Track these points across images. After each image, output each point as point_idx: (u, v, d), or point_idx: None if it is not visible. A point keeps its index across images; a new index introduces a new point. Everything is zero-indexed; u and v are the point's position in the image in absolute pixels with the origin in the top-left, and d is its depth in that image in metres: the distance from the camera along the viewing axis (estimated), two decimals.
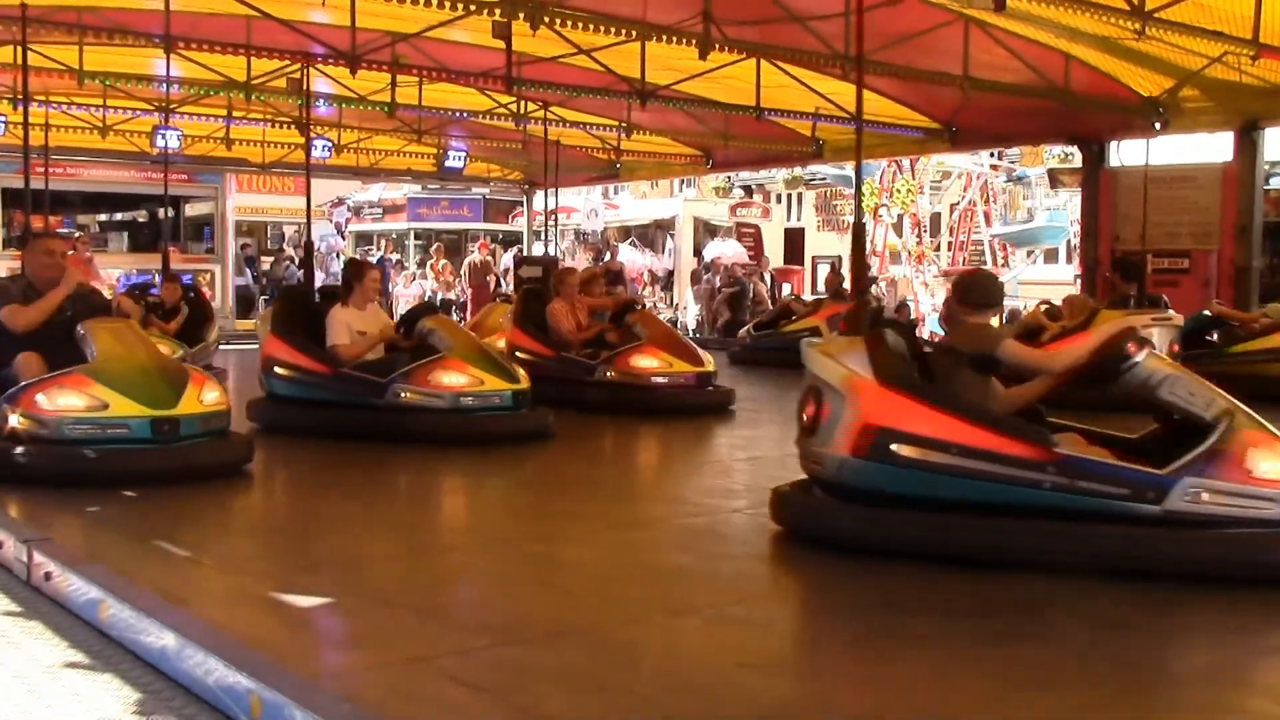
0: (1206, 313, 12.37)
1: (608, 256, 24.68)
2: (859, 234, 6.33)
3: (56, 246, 7.08)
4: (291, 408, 8.49)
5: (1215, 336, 12.15)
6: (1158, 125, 13.93)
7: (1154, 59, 12.58)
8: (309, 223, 10.55)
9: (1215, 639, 4.02)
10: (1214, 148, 14.73)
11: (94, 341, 6.65)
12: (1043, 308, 11.88)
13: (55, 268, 6.85)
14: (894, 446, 4.75)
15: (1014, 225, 26.32)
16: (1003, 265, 27.77)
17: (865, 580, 4.66)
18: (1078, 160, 17.75)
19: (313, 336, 8.58)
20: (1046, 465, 4.55)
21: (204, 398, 6.62)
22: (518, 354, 10.26)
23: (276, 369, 8.58)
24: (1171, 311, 11.02)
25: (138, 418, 6.30)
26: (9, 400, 6.34)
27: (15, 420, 6.27)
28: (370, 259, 27.08)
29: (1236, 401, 4.69)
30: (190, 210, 23.59)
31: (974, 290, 5.31)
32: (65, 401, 6.26)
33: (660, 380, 9.83)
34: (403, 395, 8.03)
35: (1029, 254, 28.00)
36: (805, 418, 5.14)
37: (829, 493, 5.08)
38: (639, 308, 10.98)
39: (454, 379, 8.04)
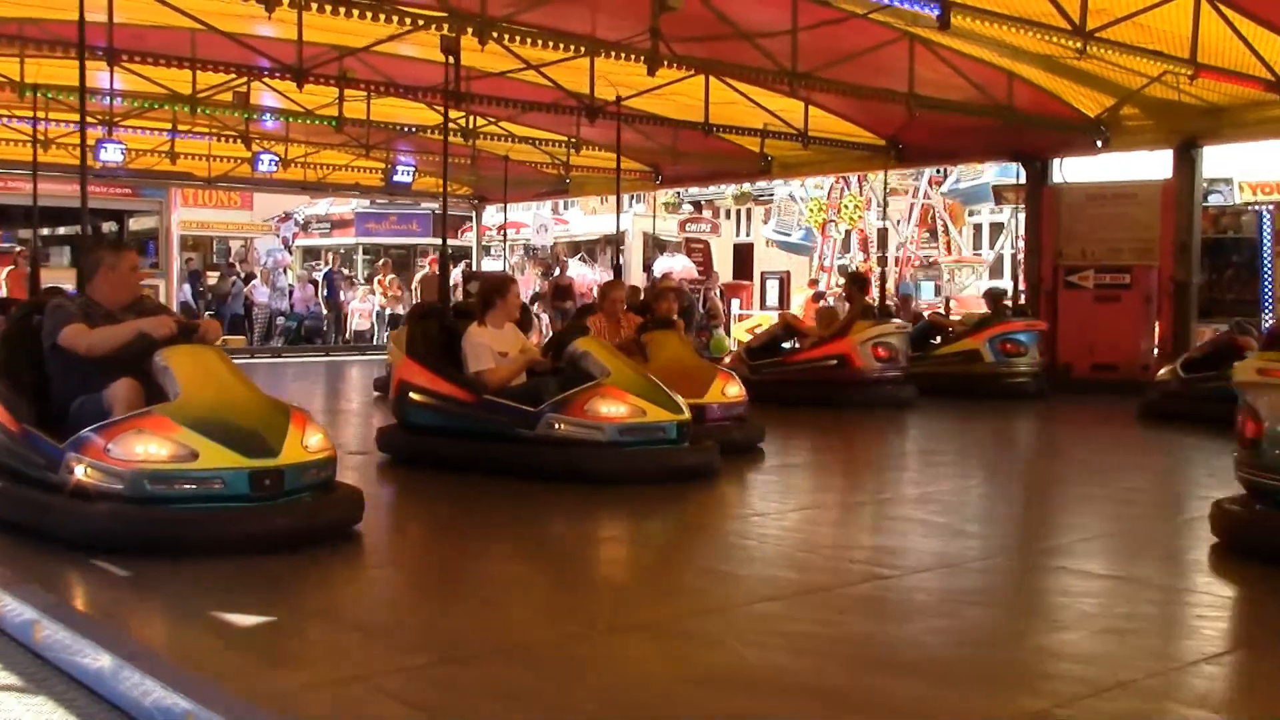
0: (925, 319, 14.90)
1: (557, 271, 24.69)
2: None
3: (138, 262, 6.12)
4: (429, 438, 7.80)
5: (937, 340, 14.21)
6: (1099, 143, 14.15)
7: (1095, 78, 12.79)
8: (445, 239, 9.82)
9: None
10: (1154, 165, 14.97)
11: (176, 373, 5.46)
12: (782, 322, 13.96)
13: (136, 287, 6.01)
14: None
15: (965, 182, 26.62)
16: (949, 280, 28.08)
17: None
18: (1021, 176, 17.97)
19: (446, 358, 7.88)
20: None
21: (308, 443, 5.49)
22: None
23: (412, 395, 7.87)
24: (899, 320, 13.49)
25: (234, 470, 5.17)
26: (75, 447, 5.21)
27: (82, 471, 5.15)
28: (318, 272, 26.96)
29: None
30: (134, 224, 23.32)
31: None
32: (144, 450, 5.10)
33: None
34: (557, 426, 7.18)
35: (975, 271, 28.27)
36: None
37: None
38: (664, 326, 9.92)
39: (614, 409, 7.16)
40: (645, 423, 7.20)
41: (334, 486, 5.69)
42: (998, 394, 12.88)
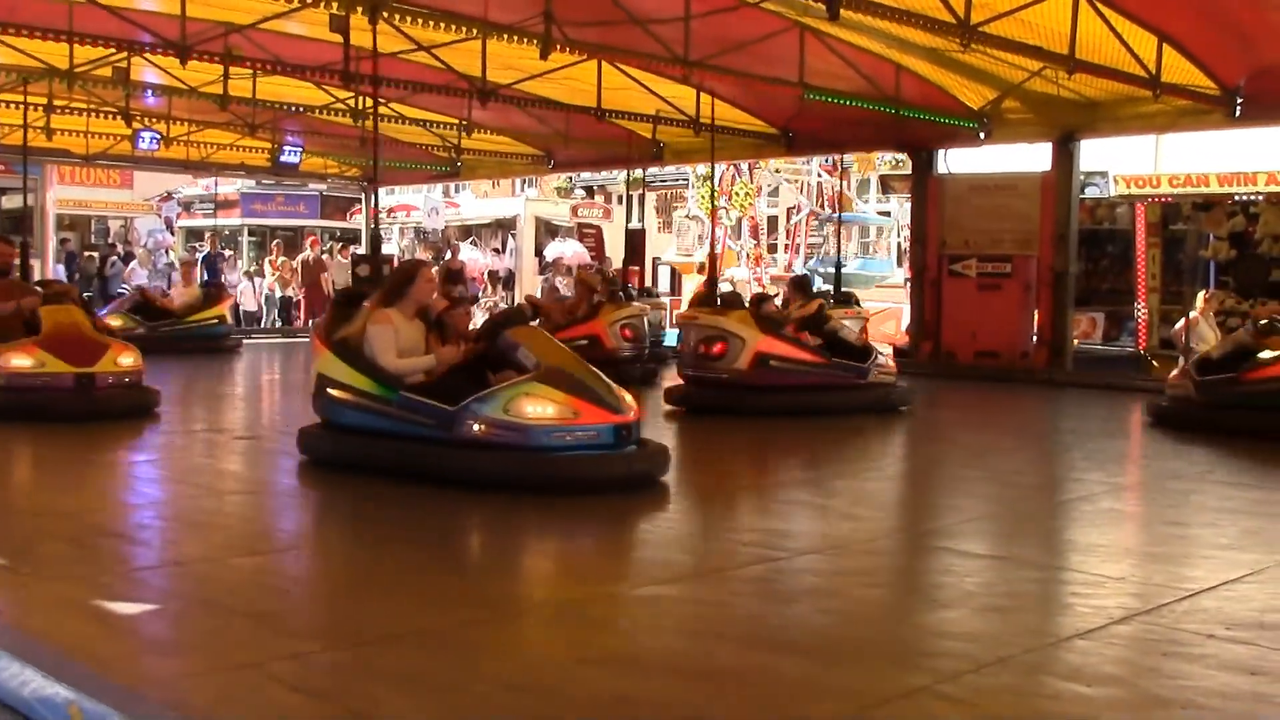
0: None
1: (448, 255, 24.47)
2: None
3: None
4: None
5: None
6: (982, 135, 14.49)
7: (979, 71, 13.08)
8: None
9: None
10: (1035, 157, 15.37)
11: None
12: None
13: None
14: None
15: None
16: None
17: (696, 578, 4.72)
18: (908, 167, 18.32)
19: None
20: None
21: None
22: None
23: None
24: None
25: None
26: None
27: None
28: (198, 254, 26.34)
29: None
30: (6, 202, 22.52)
31: None
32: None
33: None
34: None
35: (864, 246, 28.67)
36: None
37: None
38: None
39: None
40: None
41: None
42: None
